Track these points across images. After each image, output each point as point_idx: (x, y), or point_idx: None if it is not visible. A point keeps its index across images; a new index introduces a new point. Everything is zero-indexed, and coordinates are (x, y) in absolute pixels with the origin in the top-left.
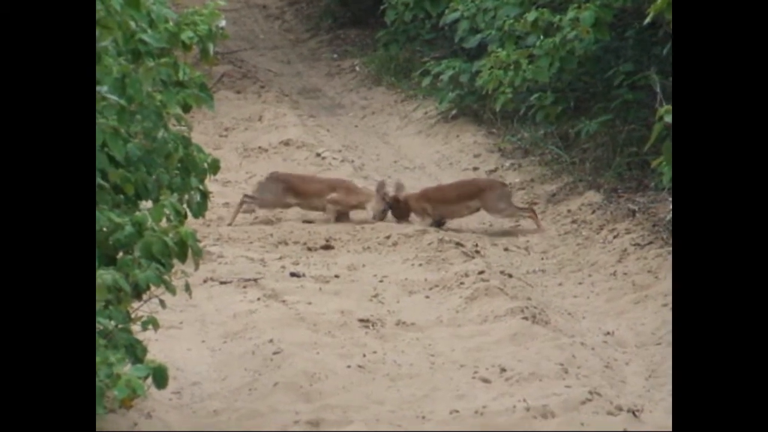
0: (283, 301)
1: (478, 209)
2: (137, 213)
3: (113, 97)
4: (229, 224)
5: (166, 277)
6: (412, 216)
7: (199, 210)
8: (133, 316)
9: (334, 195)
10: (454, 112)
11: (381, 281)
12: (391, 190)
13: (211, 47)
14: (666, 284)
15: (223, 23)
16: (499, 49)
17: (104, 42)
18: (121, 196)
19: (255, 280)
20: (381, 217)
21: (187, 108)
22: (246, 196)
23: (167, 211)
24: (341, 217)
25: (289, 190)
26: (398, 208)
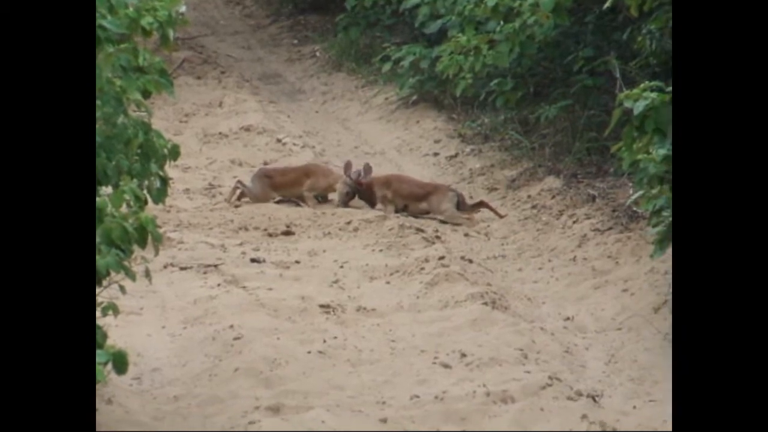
0: (244, 287)
1: (427, 212)
2: (97, 198)
3: None
4: (228, 202)
5: (126, 262)
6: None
7: (159, 196)
8: None
9: (308, 182)
10: (414, 97)
11: (341, 267)
12: (359, 173)
13: (171, 33)
14: (626, 269)
15: (183, 9)
16: (460, 35)
17: None
18: None
19: (215, 265)
20: (344, 200)
21: (147, 94)
22: (239, 181)
23: (127, 197)
24: (323, 199)
25: (272, 185)
26: (363, 192)
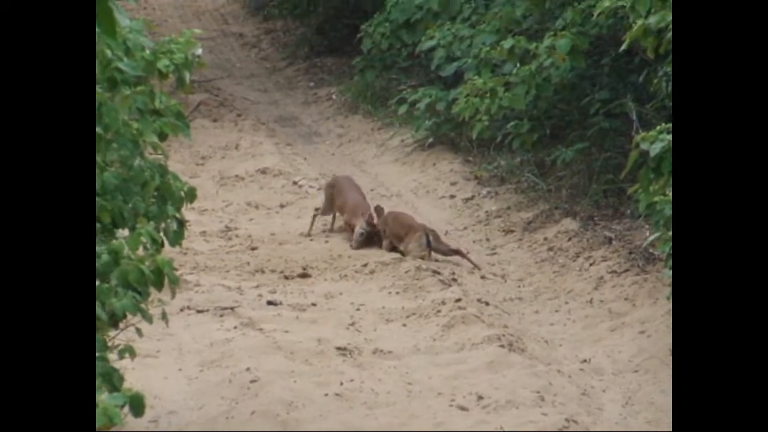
0: (260, 330)
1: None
2: (114, 241)
3: None
4: (308, 234)
5: (142, 305)
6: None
7: (176, 238)
8: (109, 344)
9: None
10: (430, 140)
11: (358, 309)
12: (370, 214)
13: (187, 75)
14: (642, 311)
15: (199, 51)
16: (476, 77)
17: None
18: (98, 225)
19: (232, 308)
20: (360, 242)
21: (163, 136)
22: (316, 209)
23: (144, 240)
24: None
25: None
26: (375, 233)
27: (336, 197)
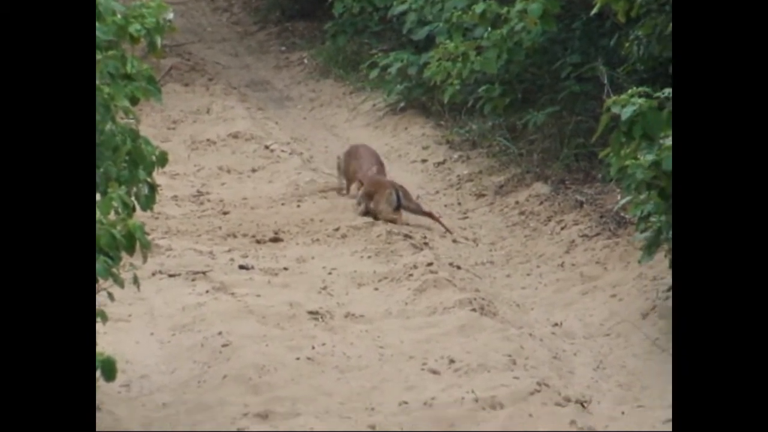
0: (232, 294)
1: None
2: None
3: None
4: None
5: (114, 269)
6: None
7: (147, 203)
8: None
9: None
10: (402, 104)
11: (330, 273)
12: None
13: (158, 40)
14: (614, 275)
15: (170, 16)
16: (447, 41)
17: None
18: None
19: (203, 272)
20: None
21: (134, 101)
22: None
23: (115, 204)
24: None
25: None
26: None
27: (350, 166)
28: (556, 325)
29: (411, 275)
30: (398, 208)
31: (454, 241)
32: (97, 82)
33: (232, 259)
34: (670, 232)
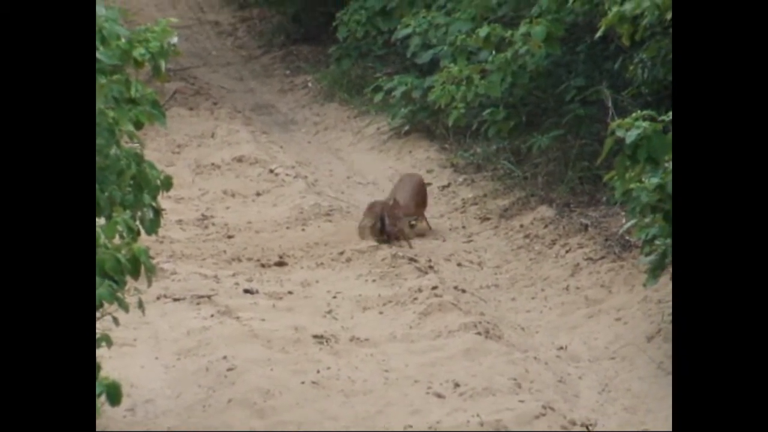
0: (237, 318)
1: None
2: None
3: None
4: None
5: (119, 294)
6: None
7: (152, 227)
8: None
9: None
10: (406, 127)
11: (334, 297)
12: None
13: (163, 64)
14: (618, 298)
15: (175, 40)
16: (452, 65)
17: None
18: None
19: (208, 296)
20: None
21: (139, 125)
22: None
23: (120, 228)
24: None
25: None
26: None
27: (391, 192)
28: (561, 348)
29: (416, 299)
30: (381, 232)
31: (459, 264)
32: (102, 106)
33: (236, 283)
34: None
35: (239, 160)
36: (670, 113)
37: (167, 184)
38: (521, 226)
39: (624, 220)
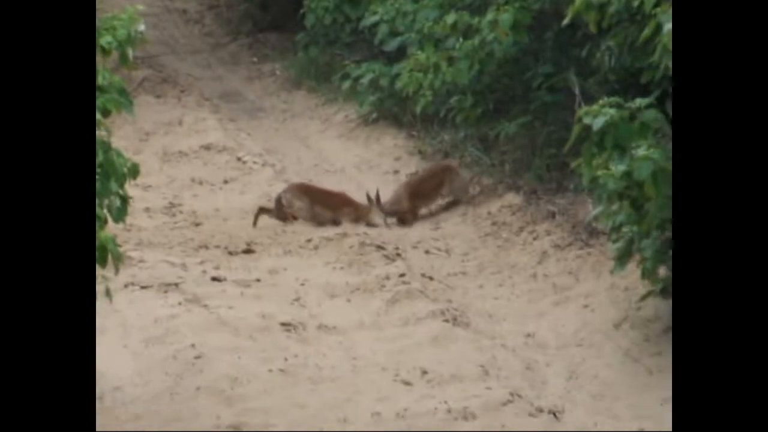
0: (205, 306)
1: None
2: None
3: None
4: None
5: None
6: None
7: (119, 215)
8: None
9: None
10: (374, 115)
11: (302, 285)
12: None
13: (130, 52)
14: (586, 285)
15: (142, 27)
16: (419, 52)
17: None
18: None
19: (176, 284)
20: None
21: (106, 113)
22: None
23: None
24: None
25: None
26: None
27: None
28: (529, 335)
29: (383, 286)
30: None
31: (427, 252)
32: None
33: (204, 271)
34: (642, 243)
35: (207, 147)
36: (638, 100)
37: (134, 171)
38: (489, 213)
39: (591, 207)
